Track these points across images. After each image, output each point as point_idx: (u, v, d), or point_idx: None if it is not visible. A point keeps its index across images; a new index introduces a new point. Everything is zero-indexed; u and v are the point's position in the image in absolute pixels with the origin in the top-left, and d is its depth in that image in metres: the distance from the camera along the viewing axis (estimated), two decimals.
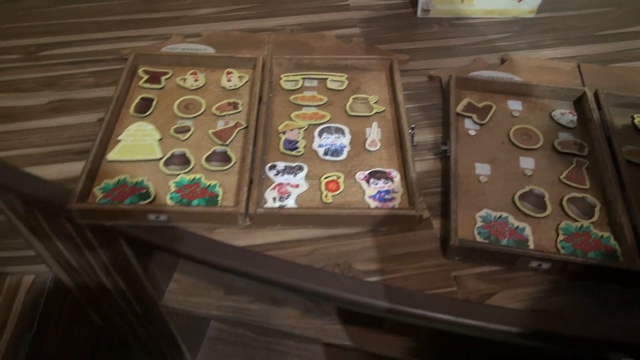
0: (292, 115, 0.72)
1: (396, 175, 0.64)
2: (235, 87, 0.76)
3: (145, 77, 0.75)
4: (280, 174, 0.64)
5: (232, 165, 0.65)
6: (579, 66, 0.79)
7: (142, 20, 0.90)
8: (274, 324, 0.91)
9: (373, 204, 0.61)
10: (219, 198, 0.61)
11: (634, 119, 0.70)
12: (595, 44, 0.86)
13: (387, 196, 0.62)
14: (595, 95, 0.71)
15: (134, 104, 0.71)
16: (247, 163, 0.63)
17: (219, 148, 0.67)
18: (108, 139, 0.67)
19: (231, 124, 0.70)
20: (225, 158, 0.66)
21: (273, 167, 0.65)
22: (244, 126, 0.70)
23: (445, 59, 0.83)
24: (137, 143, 0.67)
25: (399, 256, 0.58)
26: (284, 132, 0.70)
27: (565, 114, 0.71)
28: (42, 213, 0.73)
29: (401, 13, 0.93)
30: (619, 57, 0.83)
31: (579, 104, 0.72)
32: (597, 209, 0.60)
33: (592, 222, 0.58)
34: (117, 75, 0.75)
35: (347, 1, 0.96)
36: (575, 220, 0.59)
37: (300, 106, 0.73)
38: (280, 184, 0.63)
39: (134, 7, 0.93)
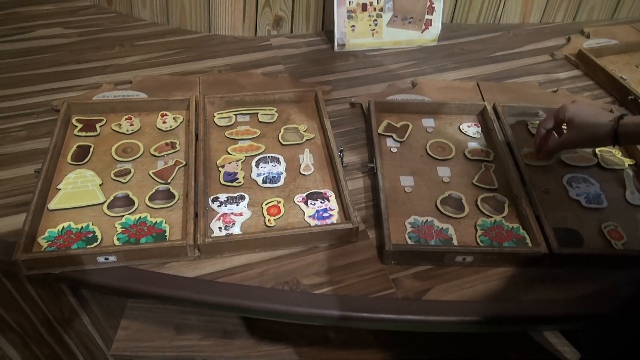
0: (229, 149, 0.76)
1: (331, 194, 0.70)
2: (171, 128, 0.79)
3: (80, 125, 0.77)
4: (223, 205, 0.68)
5: (176, 202, 0.68)
6: (478, 84, 0.91)
7: (72, 72, 0.91)
8: (228, 357, 0.92)
9: (313, 222, 0.66)
10: (167, 233, 0.64)
11: (527, 125, 0.81)
12: (490, 64, 0.98)
13: (325, 214, 0.67)
14: (494, 108, 0.82)
15: (70, 153, 0.73)
16: (191, 198, 0.66)
17: (161, 187, 0.70)
18: (48, 188, 0.67)
19: (171, 162, 0.73)
20: (168, 195, 0.69)
21: (216, 199, 0.69)
22: (184, 164, 0.73)
23: (363, 86, 0.91)
24: (78, 190, 0.68)
25: (342, 267, 0.63)
26: (223, 166, 0.74)
27: (471, 126, 0.81)
28: None
29: (320, 49, 1.02)
30: (510, 74, 0.95)
31: (482, 116, 0.83)
32: (506, 205, 0.68)
33: (503, 217, 0.67)
34: (50, 126, 0.76)
35: (269, 41, 1.03)
36: (490, 217, 0.67)
37: (235, 140, 0.78)
38: (224, 214, 0.67)
39: (64, 59, 0.94)
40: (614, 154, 0.76)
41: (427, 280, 0.61)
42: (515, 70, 0.97)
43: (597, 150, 0.77)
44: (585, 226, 0.66)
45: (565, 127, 0.70)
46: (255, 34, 1.05)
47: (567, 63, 0.98)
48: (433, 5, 0.99)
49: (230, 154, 0.76)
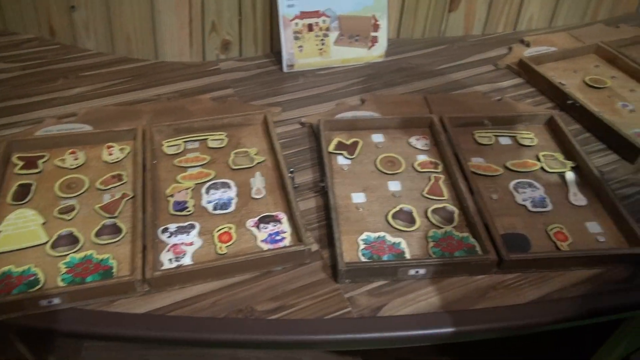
0: (178, 177, 0.75)
1: (283, 216, 0.69)
2: (117, 160, 0.77)
3: (21, 163, 0.75)
4: (173, 235, 0.67)
5: (124, 236, 0.66)
6: (425, 97, 0.92)
7: (14, 107, 0.89)
8: None
9: (265, 247, 0.66)
10: (114, 270, 0.62)
11: (473, 134, 0.83)
12: (437, 77, 1.01)
13: (277, 237, 0.67)
14: (441, 120, 0.84)
15: (11, 192, 0.70)
16: (139, 230, 0.65)
17: (108, 221, 0.68)
18: None
19: (118, 195, 0.72)
20: (115, 230, 0.67)
21: (165, 230, 0.67)
22: (131, 196, 0.71)
23: (313, 106, 0.92)
24: (19, 231, 0.65)
25: (296, 290, 0.62)
26: (172, 195, 0.72)
27: (420, 139, 0.82)
28: None
29: (269, 70, 1.02)
30: (456, 86, 0.98)
31: (430, 129, 0.84)
32: (455, 215, 0.69)
33: (453, 227, 0.68)
34: None
35: (218, 66, 1.03)
36: (440, 227, 0.68)
37: (184, 168, 0.77)
38: (174, 245, 0.66)
39: (6, 95, 0.92)
40: (556, 158, 0.78)
41: (382, 296, 0.61)
42: (461, 81, 0.99)
43: (540, 154, 0.79)
44: (533, 230, 0.68)
45: None
46: (204, 59, 1.04)
47: (510, 72, 1.01)
48: (378, 23, 1.01)
49: (179, 182, 0.74)
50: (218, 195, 0.73)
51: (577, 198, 0.72)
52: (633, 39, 1.09)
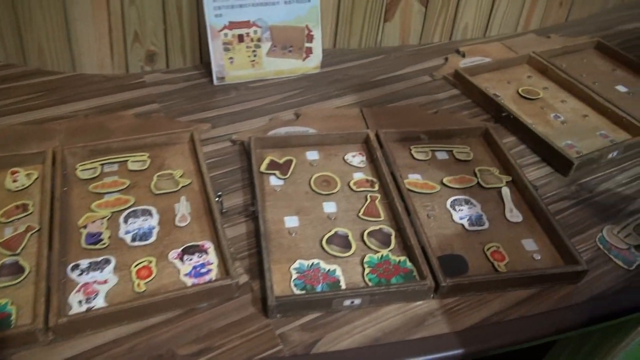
0: (93, 205, 0.68)
1: (210, 246, 0.64)
2: (23, 187, 0.69)
3: None
4: (84, 273, 0.60)
5: (27, 276, 0.59)
6: (362, 110, 0.90)
7: None
8: None
9: (189, 281, 0.60)
10: (13, 318, 0.55)
11: (410, 149, 0.81)
12: (373, 89, 0.98)
13: (202, 270, 0.61)
14: (377, 135, 0.81)
15: None
16: (43, 270, 0.58)
17: (8, 260, 0.60)
18: None
19: (21, 229, 0.64)
20: (16, 270, 0.59)
21: (76, 266, 0.60)
22: (37, 229, 0.64)
23: (245, 121, 0.87)
24: None
25: (223, 328, 0.57)
26: (85, 226, 0.65)
27: (356, 156, 0.79)
28: None
29: (199, 83, 0.96)
30: (393, 97, 0.96)
31: (366, 144, 0.81)
32: (392, 237, 0.67)
33: (390, 250, 0.65)
34: None
35: (143, 79, 0.96)
36: (377, 252, 0.65)
37: (101, 194, 0.70)
38: (86, 284, 0.59)
39: None
40: (492, 173, 0.78)
41: (316, 331, 0.57)
42: (398, 93, 0.97)
43: (476, 169, 0.78)
44: (470, 250, 0.66)
45: None
46: (127, 71, 0.97)
47: (446, 83, 1.01)
48: (312, 33, 0.97)
49: (94, 211, 0.67)
50: (138, 224, 0.66)
51: (513, 214, 0.71)
52: (563, 49, 1.11)
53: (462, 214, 0.70)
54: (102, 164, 0.74)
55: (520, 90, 0.97)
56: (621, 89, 1.00)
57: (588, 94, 0.95)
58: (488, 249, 0.66)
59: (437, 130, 0.83)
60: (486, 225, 0.69)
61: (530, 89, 0.98)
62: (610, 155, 0.82)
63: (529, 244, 0.67)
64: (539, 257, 0.65)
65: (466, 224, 0.69)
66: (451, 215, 0.70)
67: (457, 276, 0.61)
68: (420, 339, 0.57)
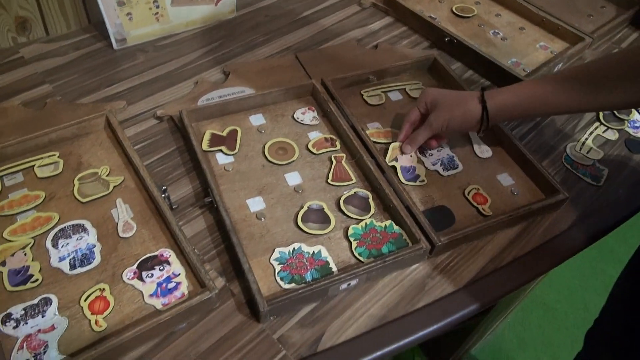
0: (5, 233, 0.54)
1: (170, 253, 0.54)
2: None
3: None
4: (22, 323, 0.48)
5: None
6: (297, 57, 0.79)
7: None
8: None
9: (158, 303, 0.51)
10: None
11: (362, 95, 0.74)
12: (302, 28, 0.87)
13: (169, 285, 0.52)
14: (323, 84, 0.72)
15: None
16: None
17: None
18: None
19: None
20: None
21: (7, 317, 0.48)
22: None
23: (165, 90, 0.73)
24: None
25: (214, 347, 0.49)
26: (4, 263, 0.52)
27: (306, 112, 0.70)
28: None
29: (94, 50, 0.79)
30: (326, 36, 0.86)
31: (313, 98, 0.73)
32: (370, 200, 0.61)
33: (372, 215, 0.59)
34: None
35: (19, 53, 0.77)
36: (358, 220, 0.59)
37: (11, 216, 0.56)
38: (28, 337, 0.47)
39: None
40: None
41: (316, 325, 0.52)
42: (330, 29, 0.87)
43: None
44: (451, 198, 0.62)
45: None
46: None
47: (377, 10, 0.92)
48: None
49: (9, 240, 0.54)
50: (72, 245, 0.54)
51: (483, 150, 0.68)
52: None
53: (433, 159, 0.66)
54: (1, 177, 0.59)
55: (454, 9, 0.91)
56: None
57: (520, 4, 0.91)
58: (469, 193, 0.62)
59: (384, 69, 0.76)
60: (460, 168, 0.65)
61: (463, 6, 0.92)
62: (556, 69, 0.81)
63: (505, 179, 0.65)
64: (518, 192, 0.63)
65: (440, 170, 0.65)
66: (423, 163, 0.66)
67: (447, 230, 0.58)
68: (426, 307, 0.53)
